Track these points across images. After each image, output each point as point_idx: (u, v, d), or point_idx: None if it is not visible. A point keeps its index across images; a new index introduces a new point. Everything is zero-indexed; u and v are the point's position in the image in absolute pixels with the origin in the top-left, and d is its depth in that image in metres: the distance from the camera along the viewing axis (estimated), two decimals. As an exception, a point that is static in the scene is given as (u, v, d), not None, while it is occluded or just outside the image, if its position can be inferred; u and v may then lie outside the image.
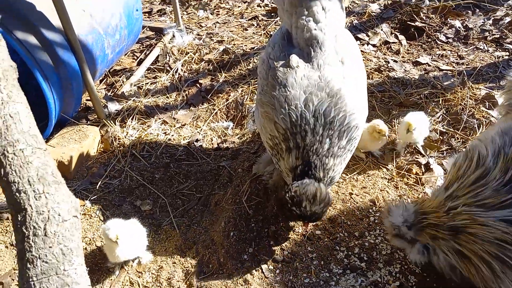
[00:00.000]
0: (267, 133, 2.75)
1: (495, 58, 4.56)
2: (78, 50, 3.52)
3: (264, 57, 2.96)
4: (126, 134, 3.89)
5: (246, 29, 5.48)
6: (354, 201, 3.14)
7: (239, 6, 6.15)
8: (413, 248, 2.44)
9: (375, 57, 4.68)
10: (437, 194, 2.35)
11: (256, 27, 5.51)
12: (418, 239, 2.38)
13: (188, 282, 2.81)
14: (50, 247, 1.69)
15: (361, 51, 4.73)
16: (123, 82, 4.59)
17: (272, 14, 5.79)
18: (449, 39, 4.93)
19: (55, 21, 3.41)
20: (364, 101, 2.90)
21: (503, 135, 2.24)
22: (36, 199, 1.74)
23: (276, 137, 2.67)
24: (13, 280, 2.87)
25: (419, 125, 3.30)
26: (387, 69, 4.43)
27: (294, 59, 2.73)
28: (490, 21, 5.07)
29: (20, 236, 1.72)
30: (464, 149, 2.66)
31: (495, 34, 4.87)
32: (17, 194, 1.76)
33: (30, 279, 1.64)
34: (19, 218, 1.73)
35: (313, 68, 2.69)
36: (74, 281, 1.67)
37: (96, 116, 4.05)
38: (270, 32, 5.33)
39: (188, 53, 4.94)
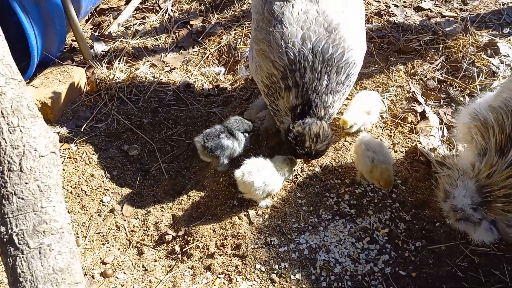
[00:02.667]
0: (264, 72, 2.64)
1: (500, 5, 4.35)
2: (59, -16, 3.28)
3: None
4: (113, 77, 3.72)
5: (242, -32, 5.16)
6: (347, 148, 3.07)
7: None
8: (477, 228, 2.23)
9: (375, 0, 4.44)
10: (489, 161, 2.11)
11: (251, -34, 5.19)
12: (488, 215, 2.17)
13: (175, 227, 2.79)
14: (26, 183, 1.61)
15: (361, -6, 4.50)
16: (110, 22, 4.35)
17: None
18: (453, -16, 4.68)
19: (32, -50, 3.15)
20: (363, 37, 2.80)
21: None
22: (10, 133, 1.64)
23: (274, 75, 2.57)
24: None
25: (357, 117, 2.98)
26: (388, 13, 4.22)
27: None
28: (498, -35, 4.79)
29: (-6, 172, 1.63)
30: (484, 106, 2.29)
31: (502, -20, 4.62)
32: (-11, 127, 1.65)
33: (6, 216, 1.58)
34: (-8, 154, 1.63)
35: (311, 1, 2.54)
36: (52, 218, 1.61)
37: (82, 57, 3.86)
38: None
39: (179, -8, 4.67)
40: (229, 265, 2.53)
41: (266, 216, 2.73)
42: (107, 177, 3.09)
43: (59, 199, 1.67)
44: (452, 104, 3.40)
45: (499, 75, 3.45)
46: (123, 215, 2.91)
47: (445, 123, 3.25)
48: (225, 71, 3.94)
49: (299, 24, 2.50)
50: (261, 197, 2.68)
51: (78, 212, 2.91)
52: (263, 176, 2.58)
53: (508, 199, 2.03)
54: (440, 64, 3.64)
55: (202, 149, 2.83)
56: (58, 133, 3.26)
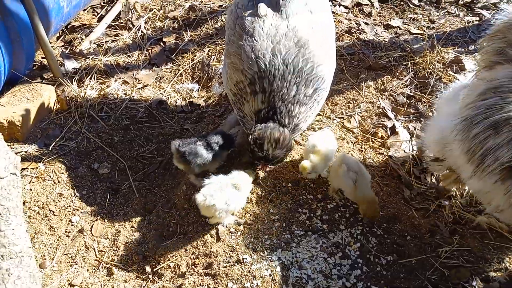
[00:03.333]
0: (233, 82, 2.67)
1: (466, 23, 4.52)
2: (27, 0, 3.24)
3: (232, 7, 2.85)
4: (84, 94, 3.67)
5: (215, -13, 5.21)
6: (319, 164, 3.08)
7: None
8: None
9: (346, 19, 4.55)
10: None
11: (225, -16, 5.25)
12: None
13: (146, 246, 2.74)
14: (-18, 206, 1.55)
15: (332, 12, 4.59)
16: (81, 39, 4.32)
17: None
18: (421, 3, 4.84)
19: (0, -33, 3.12)
20: (333, 53, 2.85)
21: None
22: (-35, 155, 1.59)
23: (242, 81, 2.59)
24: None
25: (317, 163, 2.78)
26: (358, 31, 4.32)
27: (263, 7, 2.63)
28: (463, -15, 4.99)
29: (-51, 195, 1.57)
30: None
31: (466, -1, 4.81)
32: None
33: (-40, 241, 1.51)
34: None
35: (282, 17, 2.60)
36: (11, 242, 1.56)
37: (51, 75, 3.81)
38: (239, -10, 5.10)
39: (152, 9, 4.68)
40: (200, 285, 2.48)
41: (239, 234, 2.70)
42: (76, 196, 3.01)
43: (19, 222, 1.61)
44: (421, 119, 3.48)
45: (465, 91, 3.55)
46: (92, 235, 2.84)
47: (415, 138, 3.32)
48: (199, 87, 3.94)
49: (269, 38, 2.54)
50: (224, 218, 2.66)
51: (46, 233, 2.82)
52: (225, 196, 2.55)
53: None
54: (409, 80, 3.73)
55: (176, 152, 2.81)
56: (26, 152, 3.18)
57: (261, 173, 2.98)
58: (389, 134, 3.34)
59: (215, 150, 2.85)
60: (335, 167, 2.80)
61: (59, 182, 3.05)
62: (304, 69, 2.54)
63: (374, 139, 3.30)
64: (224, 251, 2.60)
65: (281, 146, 2.55)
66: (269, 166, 2.91)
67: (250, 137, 2.55)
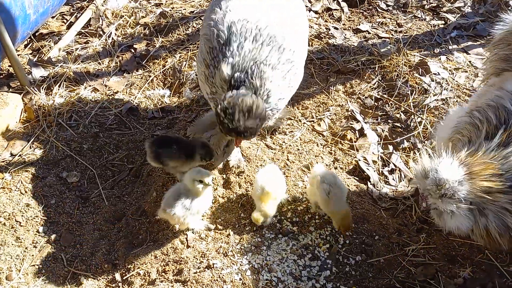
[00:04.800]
0: (206, 50, 2.61)
1: (431, 26, 4.64)
2: (-9, 9, 3.20)
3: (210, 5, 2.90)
4: (53, 103, 3.62)
5: (187, -7, 5.22)
6: (289, 167, 3.12)
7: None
8: (453, 214, 2.09)
9: (316, 24, 4.62)
10: (474, 147, 2.14)
11: (197, -10, 5.26)
12: (468, 197, 2.05)
13: (116, 254, 2.71)
14: None
15: (303, 17, 4.66)
16: (50, 47, 4.26)
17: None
18: (389, 7, 4.95)
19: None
20: (305, 43, 2.94)
21: None
22: None
23: (214, 48, 2.55)
24: None
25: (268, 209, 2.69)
26: (327, 36, 4.39)
27: None
28: (428, -10, 5.13)
29: None
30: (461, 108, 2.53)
31: (432, 3, 4.93)
32: None
33: None
34: None
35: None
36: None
37: (19, 83, 3.74)
38: (211, -4, 5.12)
39: (123, 16, 4.65)
40: (170, 291, 2.47)
41: (209, 239, 2.71)
42: (44, 206, 2.97)
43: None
44: (389, 121, 3.56)
45: (431, 93, 3.66)
46: (60, 245, 2.80)
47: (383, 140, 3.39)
48: (170, 93, 3.94)
49: (243, 11, 2.59)
50: (192, 222, 2.66)
51: (12, 244, 2.77)
52: (183, 202, 2.55)
53: (492, 179, 2.01)
54: (376, 83, 3.81)
55: (149, 152, 2.86)
56: (-9, 162, 3.12)
57: (232, 177, 3.00)
58: (358, 136, 3.40)
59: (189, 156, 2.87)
60: (311, 179, 2.77)
61: (26, 192, 3.00)
62: (277, 37, 2.52)
63: (343, 142, 3.36)
64: (194, 257, 2.60)
65: (254, 115, 2.30)
66: (242, 142, 2.71)
67: (219, 107, 2.30)
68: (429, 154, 2.18)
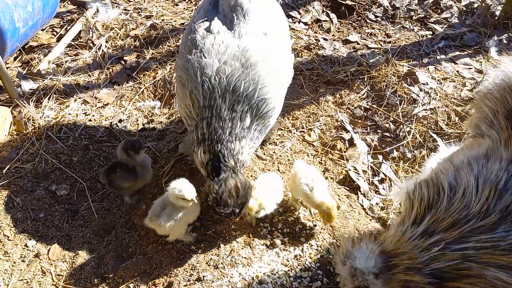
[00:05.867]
0: (180, 101, 2.65)
1: (419, 37, 4.71)
2: (-21, 22, 3.19)
3: (190, 22, 2.87)
4: (42, 115, 3.61)
5: (177, 4, 5.26)
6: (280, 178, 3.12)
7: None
8: None
9: (306, 35, 4.67)
10: (401, 230, 1.89)
11: (187, 2, 5.30)
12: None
13: (105, 268, 2.68)
14: None
15: (292, 29, 4.71)
16: (40, 59, 4.25)
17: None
18: (377, 18, 5.02)
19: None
20: (285, 72, 2.85)
21: (475, 163, 1.87)
22: None
23: (191, 114, 2.56)
24: None
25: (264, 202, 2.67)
26: (317, 47, 4.44)
27: (216, 24, 2.64)
28: (416, 1, 5.21)
29: None
30: (413, 179, 2.17)
31: (420, 14, 5.02)
32: None
33: None
34: None
35: (234, 36, 2.61)
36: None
37: (8, 96, 3.73)
38: (201, 8, 5.16)
39: (113, 28, 4.67)
40: (160, 305, 2.45)
41: (200, 251, 2.69)
42: (33, 219, 2.93)
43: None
44: (378, 130, 3.59)
45: (419, 102, 3.70)
46: (49, 259, 2.76)
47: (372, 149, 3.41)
48: (161, 105, 3.94)
49: (217, 56, 2.52)
50: (181, 233, 2.66)
51: (0, 259, 2.73)
52: (169, 212, 2.53)
53: (410, 273, 1.77)
54: (365, 93, 3.85)
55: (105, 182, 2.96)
56: (-21, 176, 3.09)
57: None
58: (348, 146, 3.43)
59: (132, 168, 2.92)
60: (292, 176, 2.83)
61: (14, 206, 2.97)
62: (245, 93, 2.50)
63: (333, 152, 3.37)
64: (184, 269, 2.59)
65: (242, 191, 2.47)
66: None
67: (208, 199, 2.46)
68: (352, 237, 2.05)
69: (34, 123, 3.53)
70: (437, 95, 3.78)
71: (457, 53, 4.42)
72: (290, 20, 4.84)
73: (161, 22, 4.75)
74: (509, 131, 1.95)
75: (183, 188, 2.51)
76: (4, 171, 3.14)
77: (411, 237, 1.81)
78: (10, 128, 3.50)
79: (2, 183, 3.07)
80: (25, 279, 2.67)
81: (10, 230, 2.85)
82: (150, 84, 4.07)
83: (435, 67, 4.18)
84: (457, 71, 4.13)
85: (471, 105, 2.59)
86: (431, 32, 4.80)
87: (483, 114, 2.17)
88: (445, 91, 3.85)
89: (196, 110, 2.54)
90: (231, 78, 2.48)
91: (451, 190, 1.83)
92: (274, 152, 3.30)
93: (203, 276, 2.54)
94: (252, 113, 2.54)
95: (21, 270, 2.70)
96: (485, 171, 1.82)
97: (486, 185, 1.76)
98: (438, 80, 3.97)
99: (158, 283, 2.54)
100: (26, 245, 2.81)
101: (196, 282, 2.52)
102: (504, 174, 1.77)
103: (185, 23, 4.76)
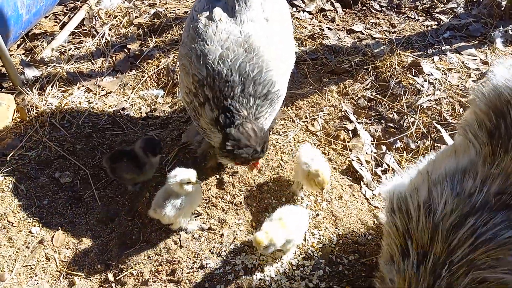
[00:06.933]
0: (184, 87, 2.65)
1: (424, 27, 4.67)
2: (-17, 9, 3.18)
3: (191, 10, 2.85)
4: (45, 103, 3.61)
5: (181, -7, 5.21)
6: (283, 167, 3.12)
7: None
8: None
9: (310, 24, 4.63)
10: (400, 270, 1.82)
11: (191, -9, 5.25)
12: None
13: (109, 255, 2.71)
14: None
15: (297, 18, 4.68)
16: (43, 47, 4.24)
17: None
18: (382, 8, 4.98)
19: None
20: (288, 61, 2.85)
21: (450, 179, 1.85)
22: None
23: (191, 91, 2.56)
24: None
25: (275, 235, 2.44)
26: (321, 36, 4.41)
27: (217, 12, 2.63)
28: (422, -9, 5.15)
29: None
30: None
31: (425, 4, 4.97)
32: None
33: None
34: None
35: (236, 23, 2.60)
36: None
37: (11, 83, 3.72)
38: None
39: (117, 16, 4.64)
40: (163, 292, 2.47)
41: (203, 239, 2.71)
42: (37, 206, 2.95)
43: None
44: (382, 121, 3.58)
45: (423, 93, 3.67)
46: (53, 245, 2.78)
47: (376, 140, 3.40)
48: (164, 93, 3.93)
49: (220, 43, 2.52)
50: (184, 222, 2.67)
51: (4, 245, 2.75)
52: (173, 202, 2.54)
53: None
54: (370, 83, 3.83)
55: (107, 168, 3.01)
56: (-17, 163, 3.10)
57: (225, 177, 3.00)
58: (351, 136, 3.42)
59: (142, 164, 2.92)
60: (296, 158, 2.86)
61: (18, 193, 2.98)
62: (251, 74, 2.50)
63: (337, 142, 3.37)
64: (187, 257, 2.60)
65: (261, 132, 2.43)
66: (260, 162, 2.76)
67: (227, 144, 2.40)
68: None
69: (38, 110, 3.54)
70: (441, 85, 3.76)
71: (463, 43, 4.38)
72: (294, 9, 4.80)
73: (164, 11, 4.71)
74: (490, 148, 1.90)
75: (185, 173, 2.53)
76: (8, 158, 3.15)
77: (412, 272, 1.75)
78: (13, 116, 3.50)
79: (6, 170, 3.08)
80: (29, 265, 2.69)
81: (15, 216, 2.87)
82: (153, 73, 4.05)
83: (440, 58, 4.15)
84: (462, 62, 4.10)
85: (467, 100, 2.48)
86: (436, 23, 4.75)
87: (471, 120, 2.10)
88: (449, 82, 3.82)
89: (199, 90, 2.52)
90: (235, 61, 2.48)
91: (423, 207, 1.80)
92: (277, 142, 3.29)
93: (206, 264, 2.55)
94: (263, 86, 2.52)
95: (25, 256, 2.72)
96: (458, 188, 1.80)
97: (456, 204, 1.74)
98: (443, 70, 3.95)
99: (161, 270, 2.56)
100: (30, 232, 2.83)
101: (199, 269, 2.54)
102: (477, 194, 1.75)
103: (189, 12, 4.72)
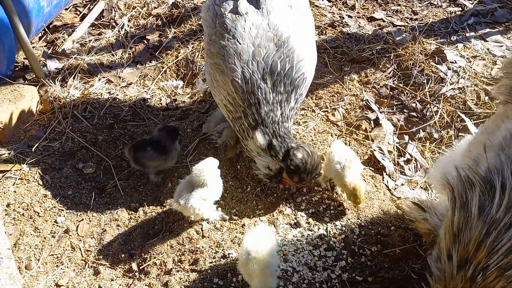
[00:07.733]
0: (222, 89, 2.65)
1: (448, 13, 4.54)
2: (6, 1, 3.21)
3: (209, 2, 2.82)
4: (68, 94, 3.65)
5: (198, -17, 5.19)
6: (304, 158, 3.10)
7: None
8: None
9: (330, 12, 4.56)
10: (446, 270, 1.69)
11: (208, -19, 5.22)
12: None
13: (132, 244, 2.74)
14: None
15: (316, 6, 4.60)
16: (64, 39, 4.28)
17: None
18: (404, -6, 4.85)
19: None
20: (313, 49, 2.85)
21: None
22: None
23: (235, 102, 2.60)
24: None
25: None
26: (341, 24, 4.33)
27: (243, 5, 2.61)
28: (445, -24, 5.01)
29: None
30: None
31: (448, -11, 4.83)
32: None
33: None
34: None
35: (263, 15, 2.59)
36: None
37: (34, 75, 3.78)
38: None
39: (135, 7, 4.65)
40: (187, 281, 2.49)
41: (225, 229, 2.72)
42: (61, 197, 3.00)
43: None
44: (404, 110, 3.51)
45: (447, 81, 3.59)
46: (78, 235, 2.83)
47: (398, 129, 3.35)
48: (183, 84, 3.93)
49: (251, 39, 2.53)
50: (206, 212, 2.68)
51: (31, 234, 2.81)
52: (195, 195, 2.56)
53: None
54: (392, 72, 3.75)
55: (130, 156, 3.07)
56: (9, 154, 3.16)
57: (245, 169, 3.00)
58: (373, 126, 3.37)
59: (167, 150, 2.98)
60: (327, 154, 2.85)
61: (43, 183, 3.04)
62: (283, 73, 2.54)
63: (358, 132, 3.33)
64: (210, 247, 2.62)
65: (314, 155, 2.59)
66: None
67: (291, 166, 2.54)
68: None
69: (60, 102, 3.58)
70: (466, 73, 3.66)
71: (488, 30, 4.25)
72: (313, -3, 4.73)
73: (183, 1, 4.69)
74: None
75: (210, 163, 2.62)
76: (33, 149, 3.20)
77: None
78: (37, 107, 3.55)
79: (31, 161, 3.14)
80: (56, 254, 2.75)
81: (40, 206, 2.93)
82: (173, 64, 4.06)
83: (464, 45, 4.03)
84: (487, 49, 3.98)
85: (499, 70, 2.34)
86: (460, 9, 4.61)
87: None
88: (474, 69, 3.72)
89: (240, 96, 2.57)
90: (267, 60, 2.50)
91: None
92: (298, 132, 3.27)
93: (228, 254, 2.57)
94: (295, 92, 2.59)
95: (51, 245, 2.77)
96: None
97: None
98: (467, 58, 3.84)
99: (184, 260, 2.58)
100: (55, 221, 2.89)
101: (222, 259, 2.55)
102: None
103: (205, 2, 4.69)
